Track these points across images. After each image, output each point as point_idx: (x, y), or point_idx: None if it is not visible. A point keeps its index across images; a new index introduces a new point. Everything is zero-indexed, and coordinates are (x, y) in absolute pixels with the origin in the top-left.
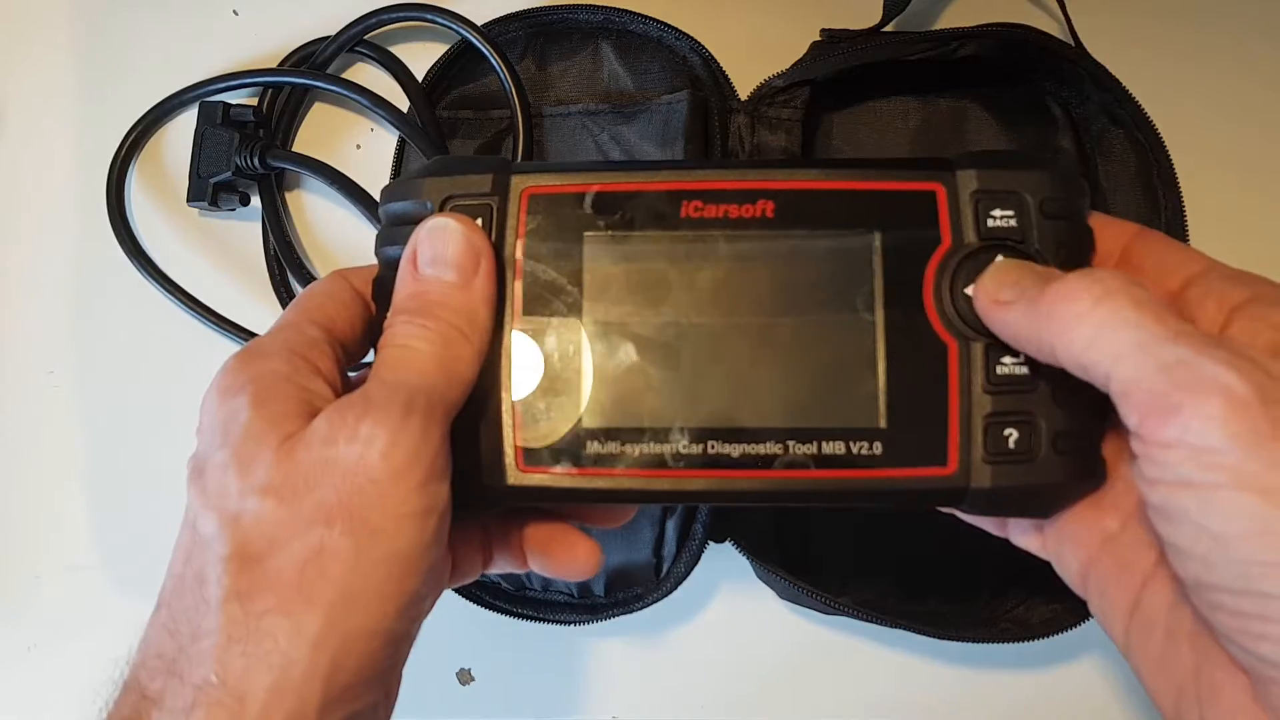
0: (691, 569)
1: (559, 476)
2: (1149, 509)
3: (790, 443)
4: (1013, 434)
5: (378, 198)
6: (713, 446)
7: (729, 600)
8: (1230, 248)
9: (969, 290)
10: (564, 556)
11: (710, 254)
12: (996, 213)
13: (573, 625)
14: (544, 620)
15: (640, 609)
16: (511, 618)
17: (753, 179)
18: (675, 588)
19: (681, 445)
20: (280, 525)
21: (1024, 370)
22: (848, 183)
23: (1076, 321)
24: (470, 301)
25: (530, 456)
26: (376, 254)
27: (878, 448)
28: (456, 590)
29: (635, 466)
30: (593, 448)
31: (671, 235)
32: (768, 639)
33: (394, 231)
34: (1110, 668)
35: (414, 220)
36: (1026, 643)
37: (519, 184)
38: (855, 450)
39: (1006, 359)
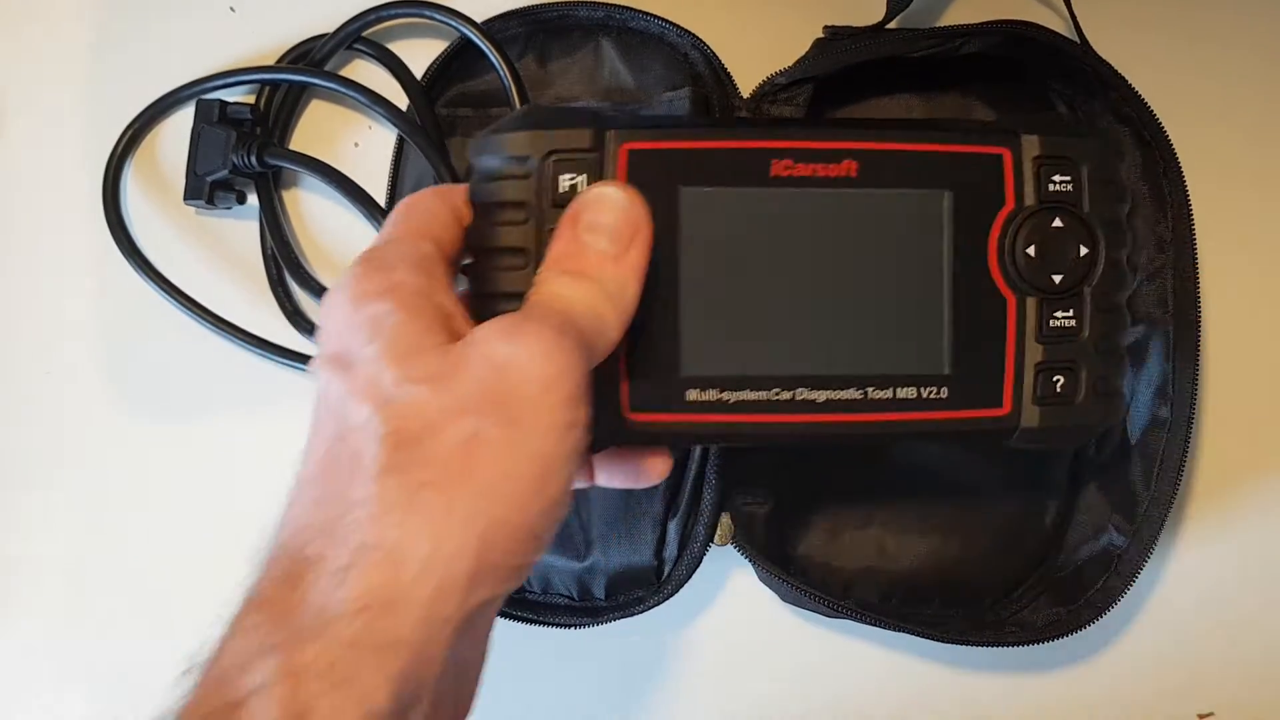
0: (693, 572)
1: (663, 419)
2: None
3: (869, 388)
4: (1060, 379)
5: (375, 196)
6: (800, 393)
7: (731, 604)
8: (1239, 244)
9: (1030, 250)
10: (631, 467)
11: (798, 210)
12: (1056, 178)
13: (573, 628)
14: (543, 623)
15: (641, 612)
16: (510, 620)
17: (839, 139)
18: (677, 590)
19: (772, 391)
20: (436, 411)
21: (1072, 323)
22: (924, 144)
23: None
24: (621, 273)
25: (637, 401)
26: (471, 203)
27: (944, 392)
28: None
29: (731, 411)
30: (692, 394)
31: (763, 192)
32: (770, 642)
33: (489, 186)
34: (1112, 670)
35: (514, 175)
36: (1030, 646)
37: (616, 139)
38: (924, 394)
39: (1059, 314)
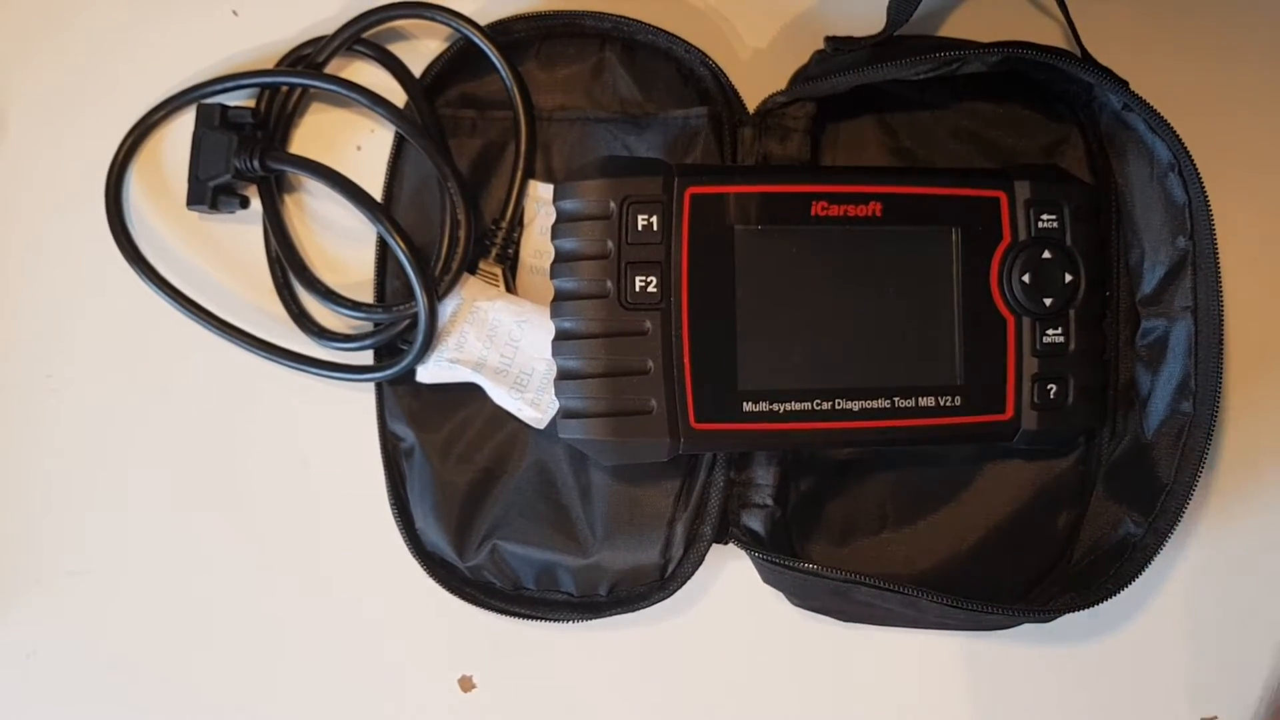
0: (696, 568)
1: (723, 428)
2: None
3: (895, 398)
4: (1053, 388)
5: (378, 198)
6: (839, 403)
7: (735, 601)
8: (1257, 242)
9: (1025, 277)
10: None
11: (833, 245)
12: (1044, 217)
13: (573, 623)
14: (543, 619)
15: (643, 608)
16: (509, 618)
17: (866, 184)
18: (679, 587)
19: (815, 402)
20: None
21: (1062, 339)
22: (936, 189)
23: None
24: None
25: (700, 412)
26: (553, 243)
27: (957, 400)
28: (453, 592)
29: (781, 420)
30: (748, 406)
31: (804, 230)
32: (774, 640)
33: (570, 226)
34: (1115, 671)
35: (595, 216)
36: (1039, 640)
37: (682, 185)
38: (941, 402)
39: (1050, 331)
